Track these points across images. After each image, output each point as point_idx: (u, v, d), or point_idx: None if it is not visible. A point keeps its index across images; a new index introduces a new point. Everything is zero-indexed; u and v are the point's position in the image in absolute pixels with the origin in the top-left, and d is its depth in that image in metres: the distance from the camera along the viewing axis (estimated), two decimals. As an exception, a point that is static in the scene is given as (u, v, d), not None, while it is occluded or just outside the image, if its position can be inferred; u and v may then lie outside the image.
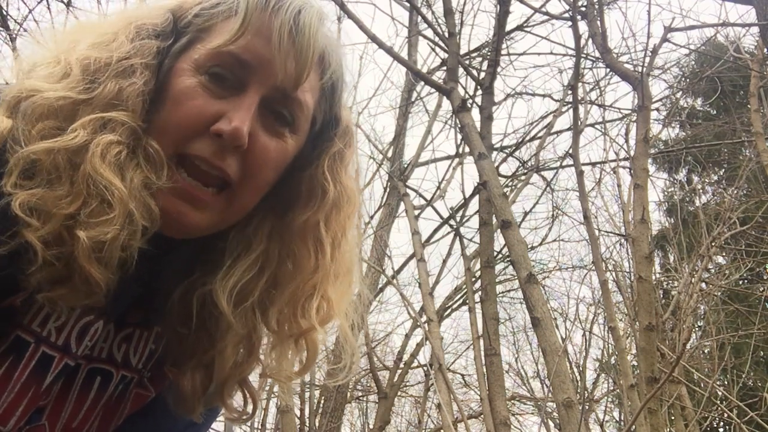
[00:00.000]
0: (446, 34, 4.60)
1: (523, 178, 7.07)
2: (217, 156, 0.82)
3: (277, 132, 0.87)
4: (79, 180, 0.76)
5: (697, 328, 8.06)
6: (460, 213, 7.18)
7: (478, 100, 5.05)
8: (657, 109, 8.27)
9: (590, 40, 5.40)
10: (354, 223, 0.97)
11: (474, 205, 6.49)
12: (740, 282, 8.59)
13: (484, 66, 5.71)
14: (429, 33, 5.73)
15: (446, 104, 6.94)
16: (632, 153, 5.10)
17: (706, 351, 8.17)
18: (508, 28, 5.46)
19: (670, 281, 8.82)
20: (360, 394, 9.78)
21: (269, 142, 0.86)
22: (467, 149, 5.24)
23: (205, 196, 0.83)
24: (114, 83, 0.82)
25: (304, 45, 0.85)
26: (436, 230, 7.22)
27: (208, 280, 0.88)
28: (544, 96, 7.19)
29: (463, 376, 9.54)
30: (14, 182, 0.74)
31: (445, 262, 7.63)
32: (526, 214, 7.80)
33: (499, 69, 5.43)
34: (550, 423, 8.46)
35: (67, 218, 0.75)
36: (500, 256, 6.16)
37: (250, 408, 0.98)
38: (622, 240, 7.50)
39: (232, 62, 0.84)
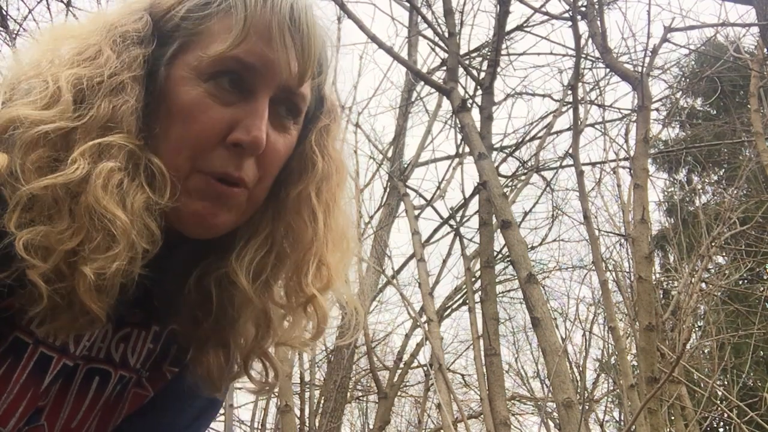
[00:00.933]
0: (446, 34, 4.60)
1: (523, 178, 7.07)
2: (238, 167, 0.82)
3: (284, 127, 0.88)
4: (80, 213, 0.74)
5: (697, 328, 8.06)
6: (460, 213, 7.18)
7: (478, 100, 5.05)
8: (657, 109, 8.29)
9: (590, 40, 5.40)
10: (344, 190, 0.99)
11: (474, 205, 6.50)
12: (740, 282, 8.59)
13: (484, 66, 5.71)
14: (429, 33, 5.74)
15: (446, 104, 6.95)
16: (632, 153, 5.10)
17: (706, 351, 8.17)
18: (508, 28, 5.47)
19: (670, 281, 8.82)
20: (360, 394, 9.78)
21: (278, 139, 0.86)
22: (467, 149, 5.24)
23: (232, 190, 0.83)
24: (107, 103, 0.79)
25: (305, 42, 0.84)
26: (436, 230, 7.22)
27: (222, 264, 0.89)
28: (544, 96, 7.20)
29: (463, 376, 9.55)
30: (17, 221, 0.72)
31: (445, 262, 7.64)
32: (526, 214, 7.81)
33: (499, 69, 5.43)
34: (550, 423, 8.47)
35: (69, 253, 0.73)
36: (500, 256, 6.17)
37: (272, 377, 0.99)
38: (622, 240, 7.51)
39: (237, 67, 0.82)
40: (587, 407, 7.71)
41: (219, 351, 0.93)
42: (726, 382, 7.68)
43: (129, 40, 0.84)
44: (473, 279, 5.81)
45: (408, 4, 6.87)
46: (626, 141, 7.40)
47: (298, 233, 0.92)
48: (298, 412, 6.71)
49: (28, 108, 0.77)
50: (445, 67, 4.90)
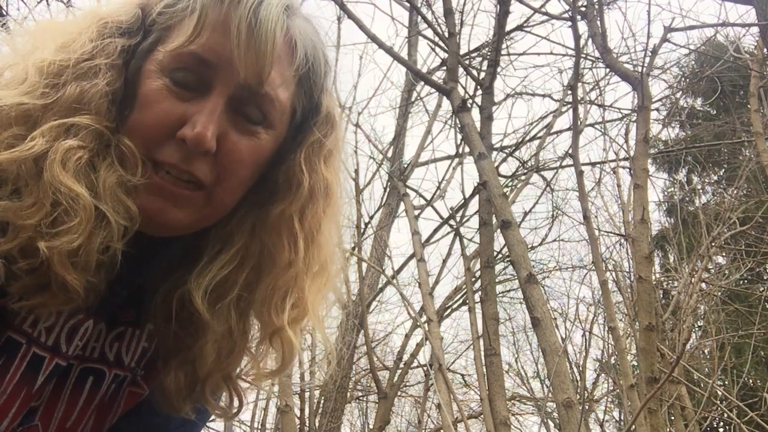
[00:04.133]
0: (446, 34, 4.59)
1: (523, 178, 7.07)
2: (185, 161, 0.81)
3: (249, 130, 0.85)
4: (42, 189, 0.74)
5: (697, 328, 8.06)
6: (460, 213, 7.17)
7: (478, 100, 5.03)
8: (657, 109, 8.30)
9: (590, 40, 5.40)
10: (333, 216, 0.95)
11: (474, 205, 6.49)
12: (740, 282, 8.60)
13: (484, 66, 5.70)
14: (429, 33, 5.72)
15: (446, 104, 6.95)
16: (632, 153, 5.09)
17: (706, 351, 8.17)
18: (508, 28, 5.46)
19: (670, 281, 8.81)
20: (360, 394, 9.77)
21: (240, 141, 0.84)
22: (467, 149, 5.24)
23: (182, 191, 0.82)
24: (75, 86, 0.80)
25: (263, 38, 0.82)
26: (436, 230, 7.21)
27: (188, 279, 0.87)
28: (544, 96, 7.19)
29: (463, 376, 9.55)
30: None
31: (445, 262, 7.63)
32: (526, 214, 7.79)
33: (499, 69, 5.43)
34: (550, 423, 8.47)
35: (34, 229, 0.74)
36: (500, 256, 6.16)
37: (235, 405, 0.97)
38: (622, 240, 7.51)
39: (194, 62, 0.82)
40: (587, 407, 7.70)
41: (181, 371, 0.90)
42: (726, 382, 7.69)
43: (108, 30, 0.85)
44: (473, 279, 5.81)
45: (408, 4, 6.87)
46: (626, 141, 7.40)
47: (274, 255, 0.89)
48: (298, 412, 6.71)
49: None
50: (445, 67, 4.89)
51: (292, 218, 0.89)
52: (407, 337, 7.32)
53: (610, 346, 8.02)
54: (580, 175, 4.36)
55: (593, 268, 5.43)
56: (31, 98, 0.78)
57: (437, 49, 5.56)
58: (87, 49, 0.83)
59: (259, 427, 8.52)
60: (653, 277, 5.50)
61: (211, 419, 1.06)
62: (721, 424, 8.73)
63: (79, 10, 0.97)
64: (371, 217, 7.61)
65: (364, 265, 6.96)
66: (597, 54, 5.42)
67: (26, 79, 0.80)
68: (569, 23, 4.92)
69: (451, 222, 6.74)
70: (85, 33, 0.85)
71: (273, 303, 0.89)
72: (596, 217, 8.22)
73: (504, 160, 7.25)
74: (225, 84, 0.82)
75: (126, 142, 0.80)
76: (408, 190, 6.47)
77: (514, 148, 7.27)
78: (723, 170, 11.53)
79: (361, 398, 9.96)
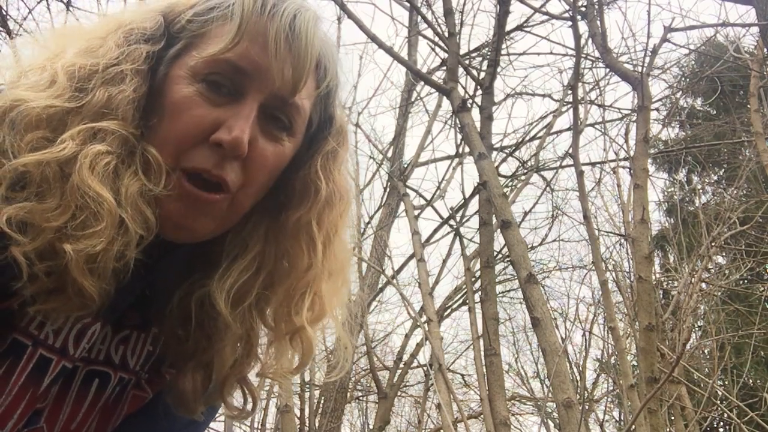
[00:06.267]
0: (446, 34, 4.59)
1: (523, 178, 7.07)
2: (218, 166, 0.82)
3: (275, 137, 0.87)
4: (68, 192, 0.75)
5: (697, 328, 8.06)
6: (460, 213, 7.18)
7: (478, 100, 5.04)
8: (657, 109, 8.31)
9: (590, 40, 5.40)
10: (347, 221, 0.97)
11: (474, 205, 6.50)
12: (740, 282, 8.60)
13: (484, 66, 5.71)
14: (429, 33, 5.73)
15: (446, 104, 6.95)
16: (632, 153, 5.10)
17: (706, 351, 8.17)
18: (508, 28, 5.46)
19: (670, 281, 8.81)
20: (360, 394, 9.78)
21: (268, 147, 0.86)
22: (467, 149, 5.24)
23: (210, 196, 0.83)
24: (103, 91, 0.81)
25: (302, 52, 0.84)
26: (436, 230, 7.22)
27: (206, 282, 0.88)
28: (544, 96, 7.20)
29: (463, 376, 9.56)
30: (2, 195, 0.73)
31: (445, 262, 7.64)
32: (526, 214, 7.80)
33: (499, 69, 5.43)
34: (550, 423, 8.47)
35: (57, 231, 0.74)
36: (500, 256, 6.16)
37: (249, 405, 0.99)
38: (622, 240, 7.51)
39: (229, 70, 0.83)
40: (587, 407, 7.71)
41: (197, 373, 0.92)
42: (726, 382, 7.69)
43: (133, 36, 0.86)
44: (473, 279, 5.81)
45: (408, 4, 6.87)
46: (626, 141, 7.40)
47: (294, 260, 0.91)
48: (298, 412, 6.71)
49: (25, 91, 0.79)
50: (445, 67, 4.89)
51: (310, 223, 0.91)
52: (407, 337, 7.32)
53: (610, 346, 8.02)
54: (580, 175, 4.36)
55: (593, 268, 5.44)
56: (60, 101, 0.79)
57: (437, 49, 5.56)
58: (114, 54, 0.84)
59: (259, 427, 8.53)
60: (653, 277, 5.51)
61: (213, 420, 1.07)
62: (721, 424, 8.74)
63: (101, 15, 0.97)
64: (371, 217, 7.62)
65: (364, 265, 6.97)
66: (597, 54, 5.43)
67: (55, 82, 0.80)
68: (569, 23, 4.93)
69: (451, 222, 6.74)
70: (111, 38, 0.85)
71: (293, 304, 0.91)
72: (596, 217, 8.23)
73: (504, 160, 7.26)
74: (258, 91, 0.84)
75: (152, 151, 0.81)
76: (408, 190, 6.48)
77: (514, 148, 7.28)
78: (723, 170, 11.54)
79: (361, 398, 9.97)
